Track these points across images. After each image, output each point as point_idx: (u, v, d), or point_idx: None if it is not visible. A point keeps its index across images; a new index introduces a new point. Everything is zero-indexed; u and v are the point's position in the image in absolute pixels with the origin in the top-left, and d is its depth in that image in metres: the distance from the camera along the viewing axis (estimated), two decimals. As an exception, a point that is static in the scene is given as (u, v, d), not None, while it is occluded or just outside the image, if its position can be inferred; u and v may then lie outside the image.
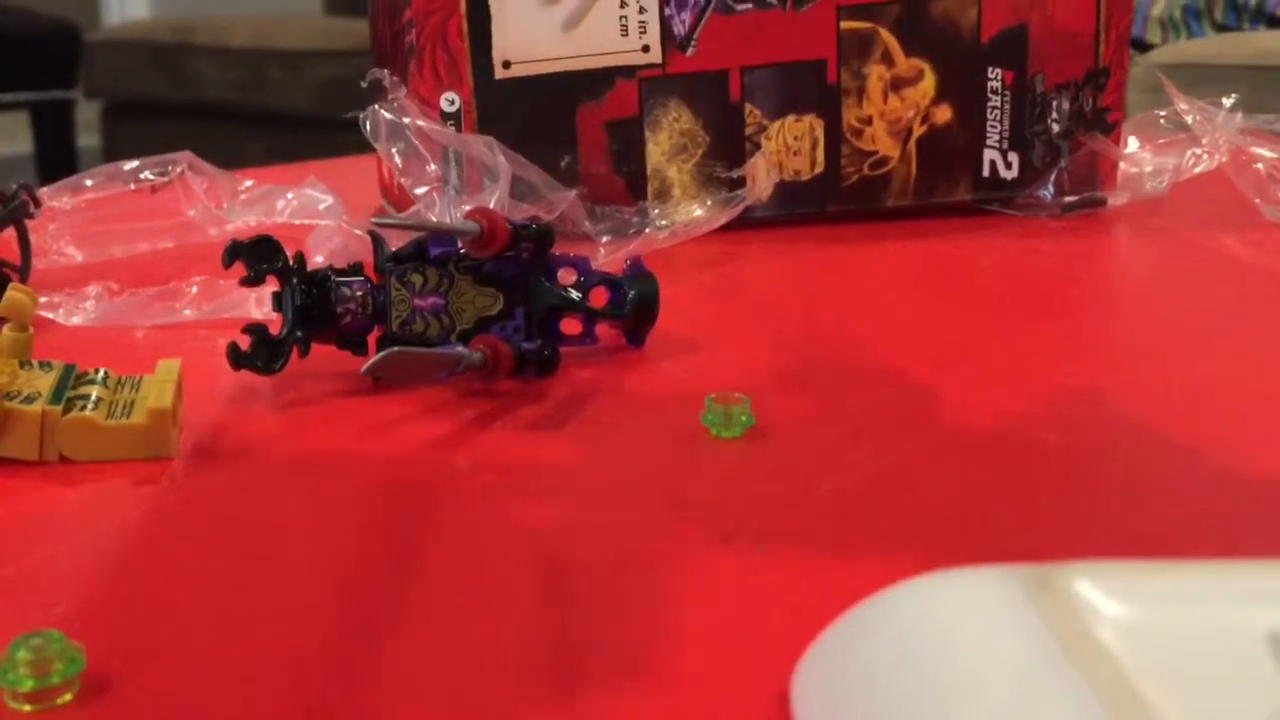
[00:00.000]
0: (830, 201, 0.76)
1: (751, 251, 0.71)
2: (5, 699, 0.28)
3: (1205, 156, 0.76)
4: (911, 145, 0.76)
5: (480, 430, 0.44)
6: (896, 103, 0.75)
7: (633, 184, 0.74)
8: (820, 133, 0.75)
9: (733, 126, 0.75)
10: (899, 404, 0.46)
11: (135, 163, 0.71)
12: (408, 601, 0.32)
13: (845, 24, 0.74)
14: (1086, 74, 0.76)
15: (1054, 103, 0.77)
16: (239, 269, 0.47)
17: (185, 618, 0.32)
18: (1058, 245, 0.71)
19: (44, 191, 0.70)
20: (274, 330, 0.48)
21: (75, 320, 0.58)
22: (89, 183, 0.71)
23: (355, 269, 0.50)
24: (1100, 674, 0.21)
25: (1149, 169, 0.79)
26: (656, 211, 0.74)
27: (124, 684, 0.29)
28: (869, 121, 0.75)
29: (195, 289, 0.59)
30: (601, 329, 0.52)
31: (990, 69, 0.76)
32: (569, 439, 0.44)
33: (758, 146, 0.75)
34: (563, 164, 0.73)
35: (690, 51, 0.73)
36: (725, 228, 0.72)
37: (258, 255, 0.47)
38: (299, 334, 0.48)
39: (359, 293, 0.49)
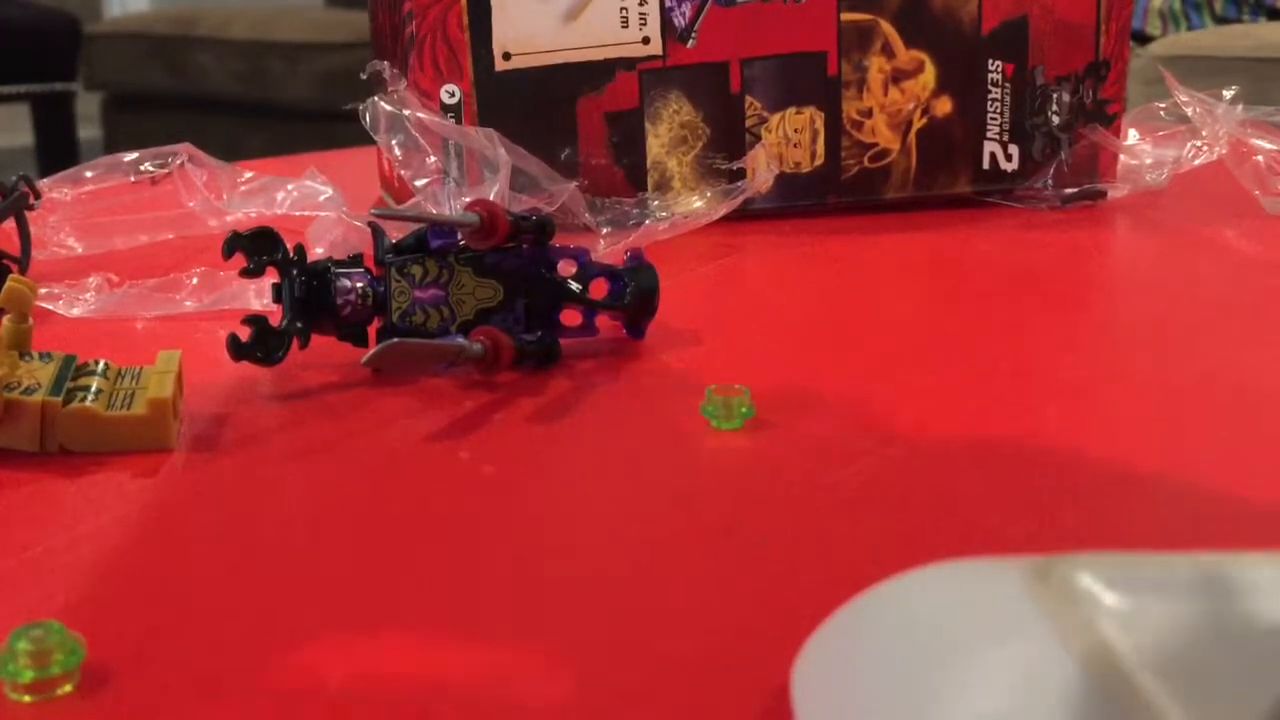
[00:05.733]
0: (830, 193, 0.76)
1: (751, 243, 0.71)
2: (5, 690, 0.28)
3: (1205, 149, 0.76)
4: (912, 137, 0.76)
5: (480, 422, 0.44)
6: (897, 95, 0.75)
7: (633, 176, 0.74)
8: (820, 125, 0.75)
9: (733, 118, 0.74)
10: (899, 395, 0.46)
11: (135, 154, 0.71)
12: (407, 592, 0.32)
13: (846, 16, 0.74)
14: (1087, 66, 0.76)
15: (1054, 95, 0.77)
16: (239, 260, 0.47)
17: (186, 609, 0.32)
18: (1058, 237, 0.71)
19: (44, 183, 0.70)
20: (274, 321, 0.48)
21: (75, 311, 0.58)
22: (89, 174, 0.71)
23: (355, 260, 0.50)
24: (1101, 665, 0.21)
25: (1149, 161, 0.79)
26: (656, 203, 0.74)
27: (124, 675, 0.29)
28: (869, 113, 0.75)
29: (195, 280, 0.59)
30: (601, 321, 0.52)
31: (990, 61, 0.76)
32: (569, 431, 0.44)
33: (758, 138, 0.75)
34: (563, 156, 0.73)
35: (690, 43, 0.73)
36: (725, 219, 0.72)
37: (258, 247, 0.47)
38: (299, 325, 0.48)
39: (359, 284, 0.49)
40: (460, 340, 0.46)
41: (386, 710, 0.27)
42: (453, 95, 0.72)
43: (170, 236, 0.72)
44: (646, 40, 0.73)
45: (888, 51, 0.74)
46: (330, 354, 0.50)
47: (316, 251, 0.63)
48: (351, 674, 0.29)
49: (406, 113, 0.70)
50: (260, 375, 0.49)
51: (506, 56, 0.72)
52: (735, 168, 0.75)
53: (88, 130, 3.02)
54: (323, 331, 0.49)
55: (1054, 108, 0.77)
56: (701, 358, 0.51)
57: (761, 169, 0.75)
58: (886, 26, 0.74)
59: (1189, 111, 0.76)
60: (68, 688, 0.28)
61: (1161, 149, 0.79)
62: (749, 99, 0.74)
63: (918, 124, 0.76)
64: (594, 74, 0.73)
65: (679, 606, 0.32)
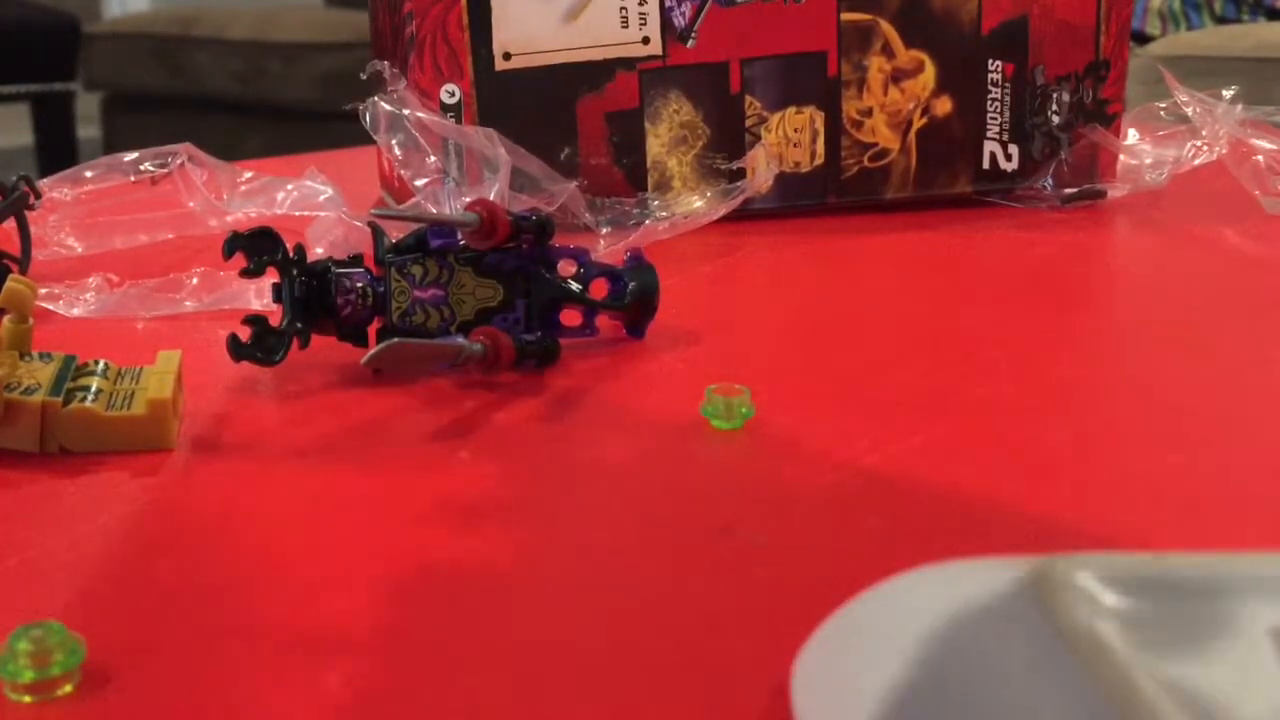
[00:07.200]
0: (830, 193, 0.76)
1: (751, 243, 0.71)
2: (5, 690, 0.28)
3: (1205, 148, 0.76)
4: (911, 137, 0.76)
5: (480, 422, 0.44)
6: (897, 94, 0.75)
7: (633, 175, 0.74)
8: (820, 124, 0.75)
9: (733, 118, 0.74)
10: (898, 395, 0.46)
11: (135, 154, 0.71)
12: (408, 592, 0.32)
13: (846, 16, 0.74)
14: (1087, 66, 0.76)
15: (1054, 95, 0.76)
16: (239, 260, 0.47)
17: (185, 609, 0.32)
18: (1057, 237, 0.71)
19: (44, 183, 0.70)
20: (274, 321, 0.48)
21: (75, 312, 0.58)
22: (89, 174, 0.71)
23: (355, 260, 0.50)
24: (1100, 665, 0.21)
25: (1149, 161, 0.79)
26: (656, 203, 0.74)
27: (124, 675, 0.29)
28: (869, 113, 0.75)
29: (195, 280, 0.59)
30: (601, 321, 0.52)
31: (990, 61, 0.76)
32: (569, 431, 0.44)
33: (758, 138, 0.75)
34: (563, 155, 0.73)
35: (690, 43, 0.73)
36: (725, 219, 0.72)
37: (258, 247, 0.47)
38: (299, 325, 0.48)
39: (359, 284, 0.49)
40: (460, 340, 0.46)
41: (386, 709, 0.27)
42: (453, 95, 0.72)
43: (170, 236, 0.72)
44: (646, 40, 0.73)
45: (888, 51, 0.74)
46: (330, 354, 0.50)
47: (316, 251, 0.63)
48: (351, 675, 0.29)
49: (406, 113, 0.69)
50: (260, 375, 0.49)
51: (506, 56, 0.72)
52: (735, 168, 0.75)
53: (87, 130, 3.01)
54: (323, 331, 0.49)
55: (1054, 108, 0.77)
56: (701, 357, 0.51)
57: (761, 169, 0.75)
58: (886, 26, 0.74)
59: (1189, 111, 0.76)
60: (68, 688, 0.28)
61: (1161, 149, 0.79)
62: (749, 99, 0.74)
63: (918, 124, 0.76)
64: (594, 74, 0.73)
65: (679, 606, 0.32)
